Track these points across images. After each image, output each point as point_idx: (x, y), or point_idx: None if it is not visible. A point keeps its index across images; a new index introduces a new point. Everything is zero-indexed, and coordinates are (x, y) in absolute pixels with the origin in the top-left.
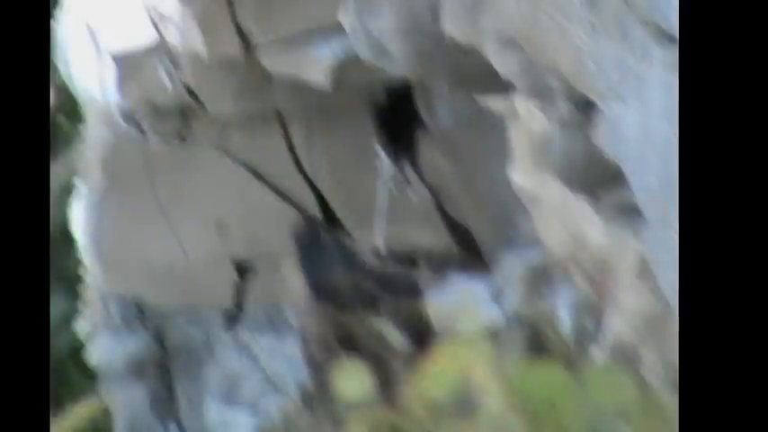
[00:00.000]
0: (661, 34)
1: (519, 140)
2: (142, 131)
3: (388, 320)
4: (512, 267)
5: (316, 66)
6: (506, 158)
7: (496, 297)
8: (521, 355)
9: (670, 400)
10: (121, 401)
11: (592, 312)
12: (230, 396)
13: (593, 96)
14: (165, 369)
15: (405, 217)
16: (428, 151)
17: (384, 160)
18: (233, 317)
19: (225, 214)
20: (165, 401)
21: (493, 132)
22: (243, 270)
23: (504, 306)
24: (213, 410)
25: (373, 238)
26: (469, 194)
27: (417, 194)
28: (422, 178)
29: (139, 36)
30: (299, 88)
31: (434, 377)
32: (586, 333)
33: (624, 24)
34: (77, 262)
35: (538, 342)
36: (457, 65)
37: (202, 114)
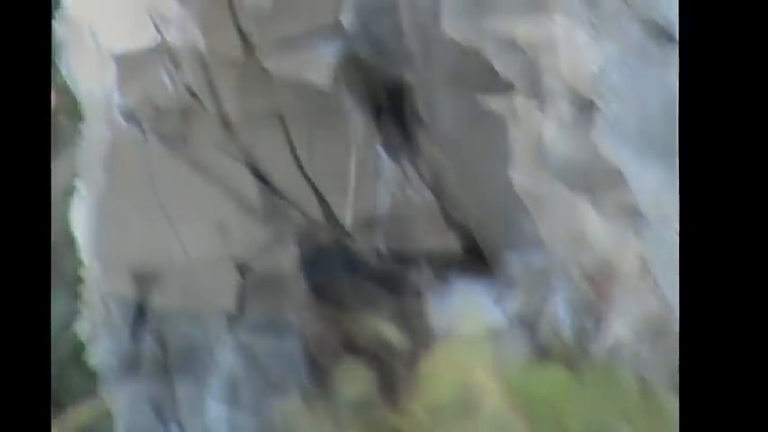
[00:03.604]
0: (661, 34)
1: (519, 140)
2: (143, 131)
3: (388, 321)
4: (514, 269)
5: (316, 66)
6: (507, 159)
7: (498, 298)
8: (522, 356)
9: (670, 400)
10: (122, 402)
11: (592, 312)
12: (231, 396)
13: (593, 96)
14: (166, 369)
15: (406, 217)
16: (428, 151)
17: (385, 160)
18: (233, 317)
19: (225, 214)
20: (165, 402)
21: (493, 132)
22: (243, 270)
23: (506, 307)
24: (213, 410)
25: (374, 238)
26: (471, 195)
27: (419, 195)
28: (423, 178)
29: (140, 36)
30: (300, 88)
31: (435, 378)
32: (586, 333)
33: (624, 24)
34: (78, 263)
35: (539, 343)
36: (457, 65)
37: (203, 114)
